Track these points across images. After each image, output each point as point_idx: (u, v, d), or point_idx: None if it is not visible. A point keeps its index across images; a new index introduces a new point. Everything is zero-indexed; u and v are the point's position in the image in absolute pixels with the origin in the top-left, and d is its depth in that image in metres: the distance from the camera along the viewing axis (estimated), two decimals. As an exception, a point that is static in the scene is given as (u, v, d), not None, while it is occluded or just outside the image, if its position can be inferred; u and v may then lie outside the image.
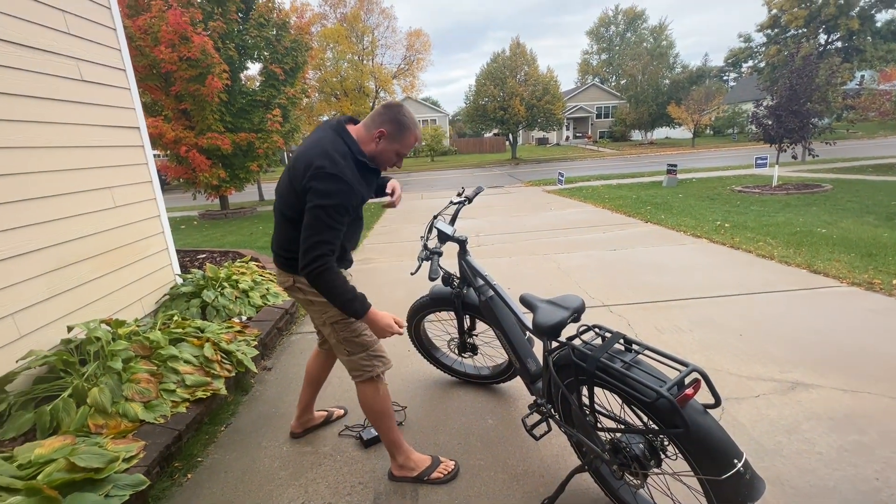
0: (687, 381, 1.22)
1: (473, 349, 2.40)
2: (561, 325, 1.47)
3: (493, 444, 2.08)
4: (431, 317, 2.52)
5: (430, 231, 2.04)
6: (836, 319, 3.12)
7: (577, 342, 1.49)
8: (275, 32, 10.49)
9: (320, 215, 1.46)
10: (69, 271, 2.71)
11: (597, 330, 1.50)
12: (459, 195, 2.23)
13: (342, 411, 2.39)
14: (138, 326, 2.64)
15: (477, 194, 2.28)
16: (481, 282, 1.99)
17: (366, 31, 25.21)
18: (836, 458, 1.84)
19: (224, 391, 2.40)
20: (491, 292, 1.95)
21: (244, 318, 3.42)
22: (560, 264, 4.94)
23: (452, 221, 2.14)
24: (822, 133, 10.53)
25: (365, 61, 25.07)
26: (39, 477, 1.55)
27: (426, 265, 1.86)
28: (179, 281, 3.79)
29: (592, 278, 4.37)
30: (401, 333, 1.69)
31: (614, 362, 1.33)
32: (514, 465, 1.92)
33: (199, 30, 8.57)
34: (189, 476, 1.97)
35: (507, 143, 29.99)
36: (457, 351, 2.45)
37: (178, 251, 6.08)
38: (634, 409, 1.37)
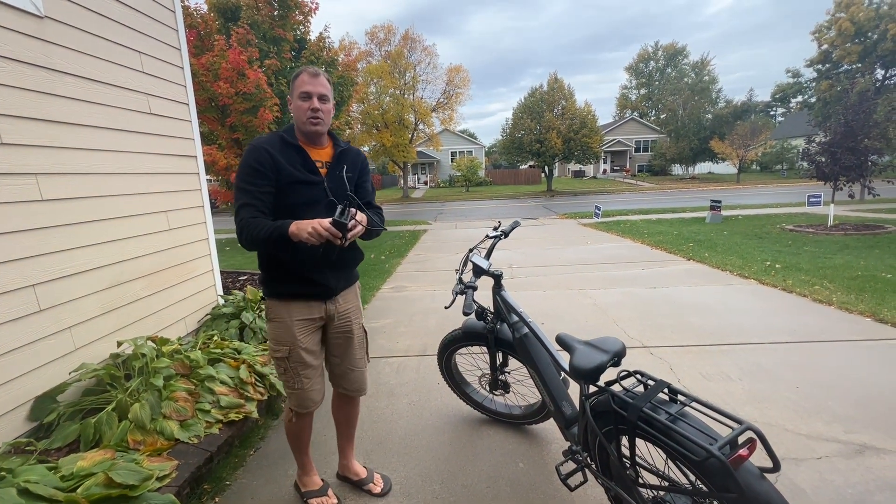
0: (741, 440, 1.13)
1: (505, 387, 2.33)
2: (600, 370, 1.40)
3: (524, 490, 1.98)
4: (463, 351, 2.48)
5: (465, 264, 2.04)
6: (908, 376, 2.83)
7: (616, 388, 1.42)
8: (324, 69, 11.15)
9: (235, 183, 1.64)
10: (122, 289, 2.87)
11: (639, 377, 1.42)
12: (496, 229, 2.22)
13: (379, 487, 2.02)
14: (181, 345, 2.73)
15: (513, 229, 2.27)
16: (516, 318, 1.95)
17: (408, 68, 26.34)
18: (916, 537, 1.62)
19: (255, 414, 2.42)
20: (525, 329, 1.91)
21: (279, 341, 3.48)
22: (596, 300, 4.79)
23: (488, 255, 2.12)
24: (884, 171, 9.93)
25: (406, 95, 26.09)
26: (79, 490, 1.60)
27: (460, 299, 1.84)
28: (221, 302, 3.94)
29: (631, 317, 4.20)
30: (326, 229, 1.42)
31: (658, 413, 1.25)
32: (546, 516, 1.81)
33: (255, 67, 9.24)
34: (217, 500, 1.98)
35: (543, 174, 30.02)
36: (488, 388, 2.38)
37: (221, 272, 6.38)
38: (680, 466, 1.27)
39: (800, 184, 23.97)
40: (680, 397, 1.32)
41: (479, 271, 1.97)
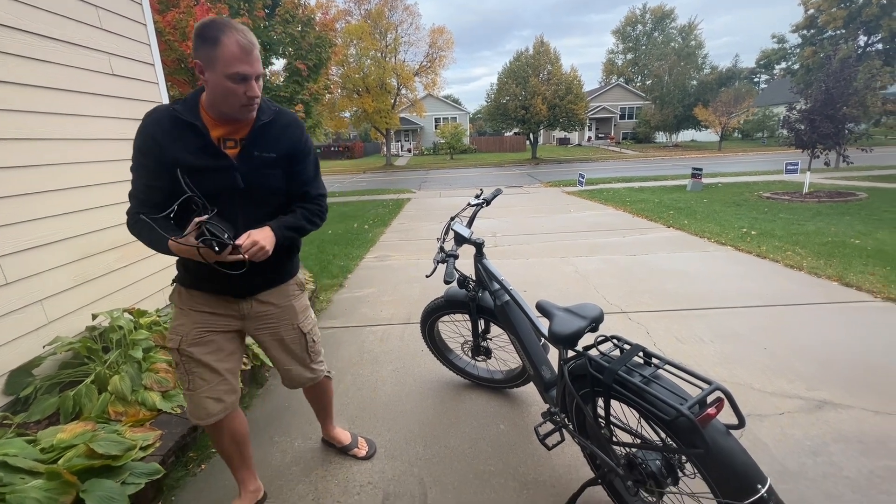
0: (709, 399, 1.17)
1: (487, 353, 2.38)
2: (578, 335, 1.43)
3: (505, 450, 2.05)
4: (446, 319, 2.50)
5: (446, 233, 2.02)
6: (868, 336, 2.98)
7: (594, 353, 1.45)
8: (300, 29, 10.60)
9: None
10: (95, 261, 2.78)
11: (615, 341, 1.46)
12: (478, 197, 2.20)
13: (363, 451, 2.04)
14: (159, 316, 2.69)
15: (495, 196, 2.25)
16: (497, 286, 1.96)
17: (389, 28, 25.29)
18: (865, 484, 1.75)
19: (240, 384, 2.42)
20: (507, 297, 1.92)
21: (261, 311, 3.46)
22: (578, 268, 4.87)
23: (470, 223, 2.11)
24: (859, 139, 10.11)
25: (387, 58, 25.15)
26: (60, 462, 1.59)
27: (442, 267, 1.84)
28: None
29: (611, 284, 4.29)
30: (204, 254, 1.24)
31: (633, 376, 1.29)
32: (524, 473, 1.89)
33: (227, 25, 8.71)
34: (203, 466, 2.01)
35: (528, 142, 29.75)
36: (470, 354, 2.43)
37: (200, 242, 6.24)
38: (653, 424, 1.32)
39: (779, 152, 24.33)
40: (654, 360, 1.36)
41: (460, 239, 1.96)
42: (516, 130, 29.71)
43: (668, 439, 1.26)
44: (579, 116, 26.02)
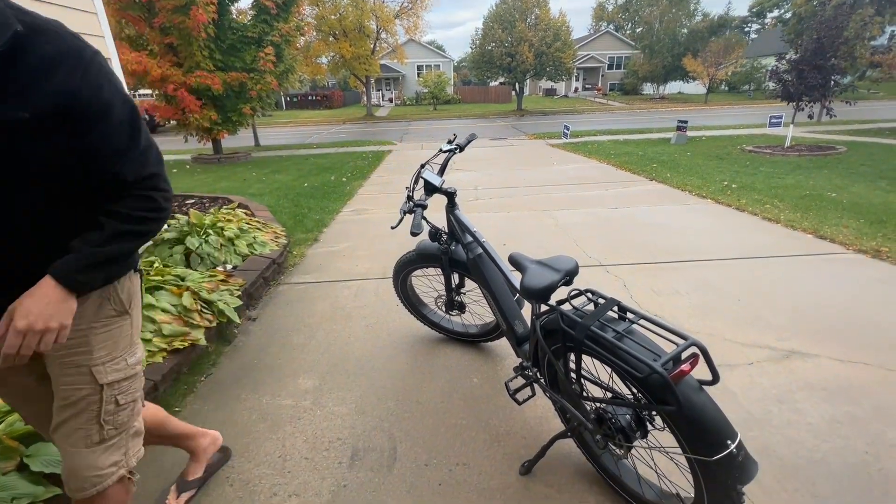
0: (684, 355, 1.12)
1: (461, 307, 2.32)
2: (550, 289, 1.35)
3: (477, 403, 2.04)
4: (419, 272, 2.41)
5: (416, 181, 1.88)
6: (838, 287, 3.03)
7: (566, 307, 1.38)
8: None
9: None
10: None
11: (589, 295, 1.39)
12: (450, 143, 2.04)
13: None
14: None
15: (469, 142, 2.10)
16: (469, 238, 1.86)
17: (367, -37, 23.38)
18: (826, 429, 1.79)
19: (203, 341, 2.33)
20: (479, 250, 1.83)
21: (229, 266, 3.32)
22: (559, 221, 4.80)
23: (441, 171, 1.97)
24: (844, 91, 10.01)
25: (365, -2, 23.45)
26: (0, 427, 1.50)
27: (409, 219, 1.71)
28: (174, 224, 3.66)
29: (591, 237, 4.24)
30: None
31: (606, 331, 1.23)
32: (496, 426, 1.88)
33: (182, -47, 7.86)
34: (166, 426, 1.94)
35: (514, 93, 28.78)
36: (444, 309, 2.36)
37: (166, 195, 5.93)
38: (625, 380, 1.28)
39: (764, 105, 24.15)
40: (628, 315, 1.29)
41: (430, 188, 1.83)
42: (502, 80, 28.63)
43: (640, 395, 1.22)
44: (567, 65, 25.12)
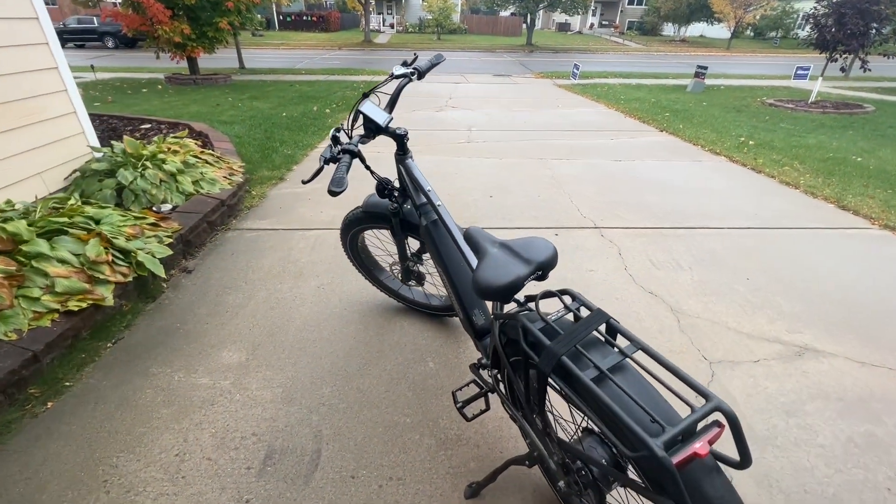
0: (701, 425, 0.73)
1: (419, 278, 1.92)
2: (514, 288, 0.95)
3: (428, 395, 1.71)
4: (374, 231, 1.99)
5: (354, 119, 1.40)
6: (862, 270, 2.65)
7: (532, 315, 0.99)
8: None
9: None
10: None
11: (568, 300, 0.98)
12: (406, 64, 1.53)
13: None
14: (2, 211, 2.08)
15: (433, 66, 1.59)
16: (423, 198, 1.42)
17: None
18: (841, 454, 1.49)
19: (110, 301, 1.95)
20: (434, 216, 1.40)
21: (167, 207, 2.87)
22: (555, 172, 4.30)
23: (391, 105, 1.48)
24: (885, 42, 9.08)
25: None
26: None
27: (330, 171, 1.26)
28: (98, 155, 3.16)
29: (587, 193, 3.78)
30: None
31: (584, 366, 0.83)
32: (446, 428, 1.56)
33: None
34: (49, 405, 1.61)
35: (524, 25, 26.56)
36: (400, 278, 1.97)
37: (120, 118, 5.29)
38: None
39: (789, 54, 22.52)
40: (620, 342, 0.89)
41: (372, 128, 1.36)
42: (513, 10, 26.28)
43: (625, 463, 0.86)
44: (584, -4, 22.97)
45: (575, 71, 11.28)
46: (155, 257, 2.25)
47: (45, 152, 2.86)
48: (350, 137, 1.35)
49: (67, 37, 19.12)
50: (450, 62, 16.64)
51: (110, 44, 19.75)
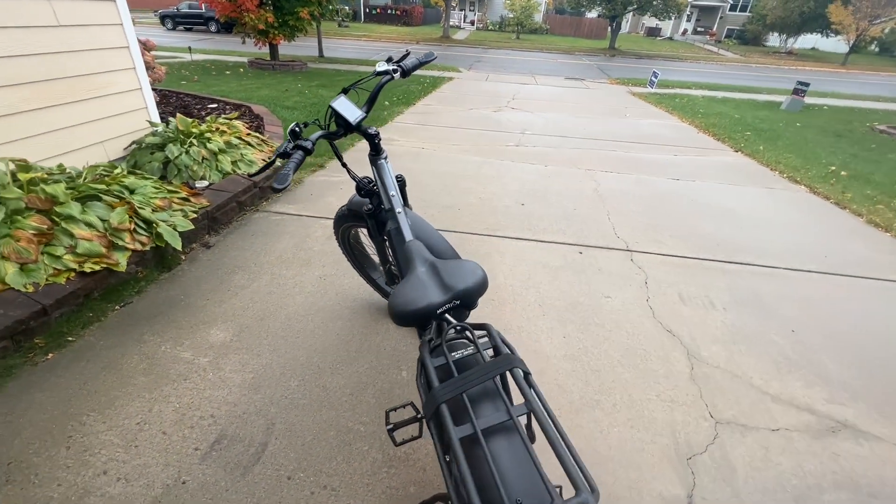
0: None
1: (405, 282, 1.85)
2: (424, 316, 0.86)
3: (390, 406, 1.64)
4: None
5: (330, 115, 1.35)
6: (947, 339, 2.20)
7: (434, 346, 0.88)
8: None
9: None
10: (-13, 96, 2.35)
11: (468, 336, 0.86)
12: (390, 61, 1.45)
13: None
14: (48, 174, 2.30)
15: (421, 64, 1.50)
16: (388, 203, 1.34)
17: None
18: (854, 564, 1.22)
19: (123, 267, 2.08)
20: (396, 223, 1.32)
21: (205, 183, 3.04)
22: (600, 185, 4.03)
23: (370, 103, 1.41)
24: None
25: None
26: None
27: (283, 163, 1.20)
28: (157, 129, 3.42)
29: (631, 211, 3.49)
30: None
31: (463, 417, 0.72)
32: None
33: None
34: (49, 356, 1.74)
35: (610, 28, 25.39)
36: (385, 280, 1.91)
37: (194, 96, 5.72)
38: None
39: (921, 75, 19.58)
40: (529, 391, 0.76)
41: (342, 125, 1.30)
42: (599, 11, 25.22)
43: None
44: (678, 0, 21.49)
45: (653, 79, 10.58)
46: (176, 230, 2.38)
47: (109, 123, 3.14)
48: (299, 130, 1.29)
49: (179, 20, 21.14)
50: (522, 62, 16.33)
51: (213, 28, 21.53)
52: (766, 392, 1.80)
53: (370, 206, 1.50)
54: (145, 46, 4.76)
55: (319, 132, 1.28)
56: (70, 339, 1.83)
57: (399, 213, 1.27)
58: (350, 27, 27.75)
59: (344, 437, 1.50)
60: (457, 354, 0.85)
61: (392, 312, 0.89)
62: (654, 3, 21.61)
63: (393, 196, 1.31)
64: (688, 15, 33.49)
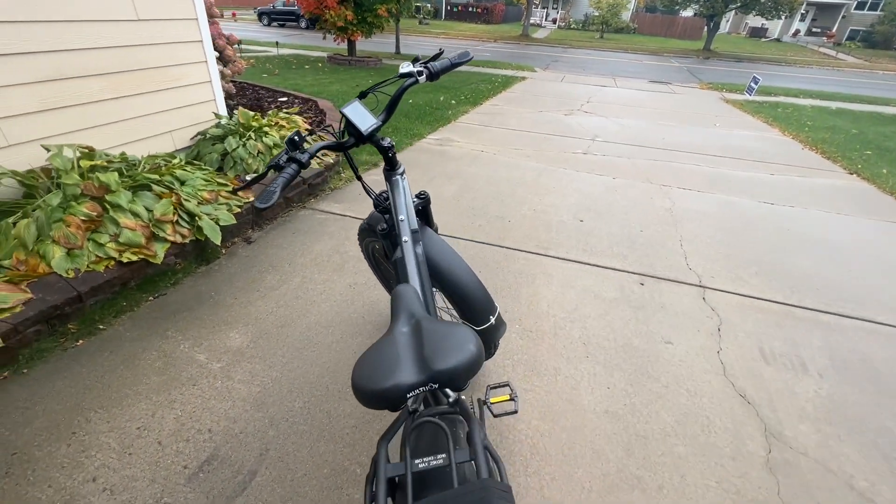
0: None
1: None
2: (390, 399, 0.67)
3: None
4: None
5: (342, 122, 1.19)
6: None
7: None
8: None
9: None
10: (70, 86, 2.50)
11: (444, 430, 0.66)
12: (417, 62, 1.26)
13: None
14: (109, 161, 2.39)
15: (453, 66, 1.29)
16: (396, 229, 1.16)
17: None
18: None
19: (160, 259, 2.11)
20: (401, 253, 1.13)
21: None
22: (675, 205, 3.57)
23: (389, 108, 1.24)
24: None
25: None
26: None
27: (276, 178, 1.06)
28: (223, 121, 3.53)
29: (707, 238, 3.04)
30: None
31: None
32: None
33: None
34: (80, 343, 1.78)
35: (706, 28, 23.33)
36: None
37: (267, 89, 5.95)
38: None
39: None
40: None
41: (354, 134, 1.14)
42: (696, 9, 23.24)
43: None
44: (792, -3, 19.20)
45: (752, 85, 9.46)
46: (218, 224, 2.39)
47: (179, 114, 3.27)
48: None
49: (274, 17, 22.61)
50: (604, 63, 15.46)
51: (303, 24, 22.78)
52: (870, 500, 1.39)
53: (384, 225, 1.34)
54: (228, 41, 5.01)
55: (320, 143, 1.13)
56: (101, 327, 1.87)
57: (405, 242, 1.09)
58: (430, 24, 28.08)
59: (337, 478, 1.35)
60: (423, 464, 0.66)
61: (352, 386, 0.72)
62: (762, 0, 19.48)
63: (402, 221, 1.13)
64: (802, 14, 29.90)
